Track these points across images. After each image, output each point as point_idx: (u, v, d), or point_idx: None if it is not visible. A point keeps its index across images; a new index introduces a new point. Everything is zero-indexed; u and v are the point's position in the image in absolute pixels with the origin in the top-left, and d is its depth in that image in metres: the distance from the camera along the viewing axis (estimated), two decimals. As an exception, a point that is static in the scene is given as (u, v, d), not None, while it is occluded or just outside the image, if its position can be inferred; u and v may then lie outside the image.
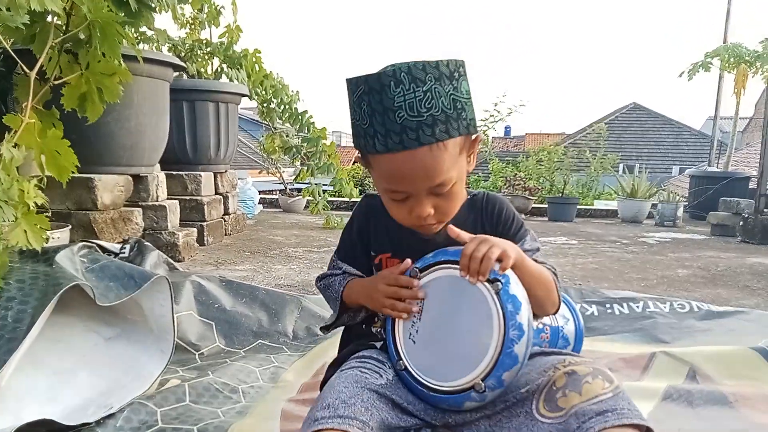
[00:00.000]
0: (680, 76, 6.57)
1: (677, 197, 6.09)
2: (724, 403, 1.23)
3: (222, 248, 3.38)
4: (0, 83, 2.17)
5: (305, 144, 4.34)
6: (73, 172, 1.42)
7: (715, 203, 5.29)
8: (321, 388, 1.10)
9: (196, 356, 1.54)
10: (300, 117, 4.25)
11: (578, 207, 6.26)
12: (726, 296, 2.43)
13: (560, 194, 6.40)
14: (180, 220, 3.16)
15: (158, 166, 3.02)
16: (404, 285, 0.97)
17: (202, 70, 3.78)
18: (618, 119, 19.91)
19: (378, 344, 1.07)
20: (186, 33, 3.75)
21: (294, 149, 4.43)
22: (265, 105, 4.16)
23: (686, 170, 9.28)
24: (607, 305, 2.01)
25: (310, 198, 4.71)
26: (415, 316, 0.97)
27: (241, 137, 7.21)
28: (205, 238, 3.40)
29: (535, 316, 0.96)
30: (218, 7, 3.78)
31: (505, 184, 6.75)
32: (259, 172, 6.87)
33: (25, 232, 1.21)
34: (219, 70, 3.87)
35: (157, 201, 2.93)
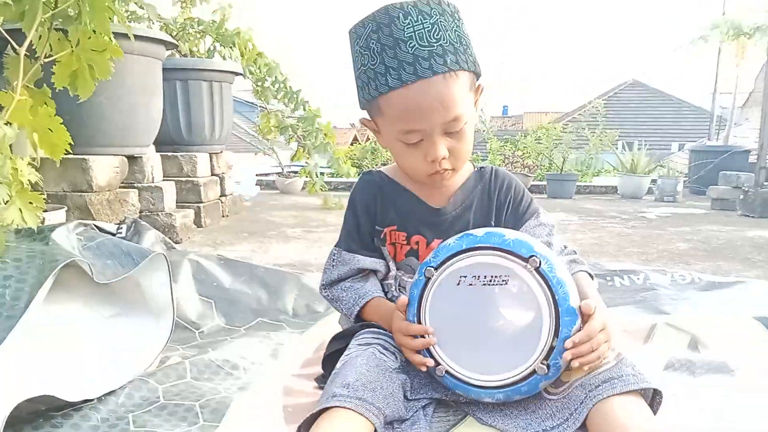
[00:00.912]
0: (675, 50, 6.52)
1: (677, 173, 6.08)
2: (725, 372, 1.23)
3: (220, 229, 3.37)
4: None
5: (301, 123, 4.31)
6: (67, 152, 1.40)
7: (715, 177, 5.28)
8: (323, 362, 1.10)
9: (197, 334, 1.53)
10: (295, 96, 4.21)
11: (577, 184, 6.25)
12: (726, 268, 2.43)
13: (559, 171, 6.39)
14: (176, 202, 3.14)
15: (153, 147, 2.99)
16: (416, 334, 0.91)
17: (195, 49, 3.73)
18: (617, 95, 19.78)
19: None
20: (179, 12, 3.70)
21: (290, 128, 4.40)
22: (259, 84, 4.11)
23: (685, 146, 9.27)
24: (608, 278, 2.01)
25: (308, 178, 4.69)
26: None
27: (236, 120, 7.15)
28: (203, 220, 3.38)
29: None
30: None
31: (503, 162, 6.72)
32: (255, 155, 6.82)
33: (20, 210, 1.19)
34: (212, 48, 3.82)
35: (153, 182, 2.91)
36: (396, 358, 0.96)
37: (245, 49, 3.84)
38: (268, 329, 1.58)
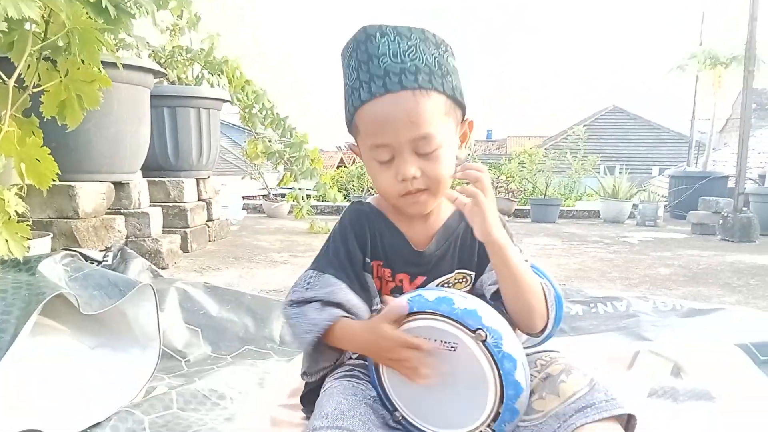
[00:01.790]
0: (654, 79, 6.69)
1: (657, 197, 6.19)
2: (707, 398, 1.25)
3: (206, 254, 3.36)
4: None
5: (288, 149, 4.33)
6: (53, 180, 1.40)
7: (695, 202, 5.38)
8: (302, 399, 1.09)
9: (183, 363, 1.52)
10: (282, 122, 4.24)
11: (561, 208, 6.32)
12: (707, 293, 2.47)
13: (543, 196, 6.46)
14: (163, 227, 3.13)
15: (140, 173, 2.99)
16: (414, 347, 0.86)
17: (183, 76, 3.75)
18: (598, 121, 20.16)
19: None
20: (168, 39, 3.73)
21: (277, 154, 4.42)
22: (246, 110, 4.14)
23: (666, 171, 9.43)
24: (591, 304, 2.03)
25: (294, 203, 4.69)
26: None
27: (224, 144, 7.17)
28: (189, 245, 3.37)
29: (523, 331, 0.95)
30: (197, 14, 3.76)
31: (488, 187, 6.78)
32: (242, 178, 6.82)
33: (6, 241, 1.19)
34: (200, 76, 3.85)
35: (140, 208, 2.90)
36: (372, 388, 0.96)
37: (233, 76, 3.88)
38: (255, 357, 1.58)
